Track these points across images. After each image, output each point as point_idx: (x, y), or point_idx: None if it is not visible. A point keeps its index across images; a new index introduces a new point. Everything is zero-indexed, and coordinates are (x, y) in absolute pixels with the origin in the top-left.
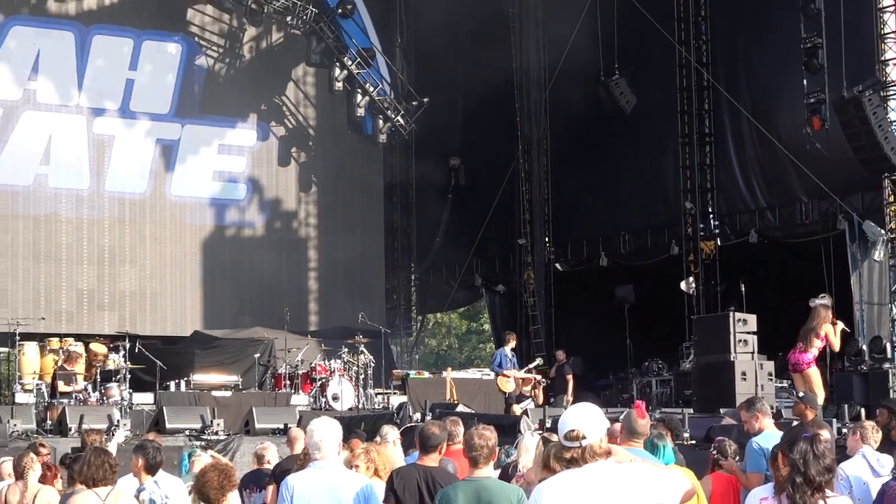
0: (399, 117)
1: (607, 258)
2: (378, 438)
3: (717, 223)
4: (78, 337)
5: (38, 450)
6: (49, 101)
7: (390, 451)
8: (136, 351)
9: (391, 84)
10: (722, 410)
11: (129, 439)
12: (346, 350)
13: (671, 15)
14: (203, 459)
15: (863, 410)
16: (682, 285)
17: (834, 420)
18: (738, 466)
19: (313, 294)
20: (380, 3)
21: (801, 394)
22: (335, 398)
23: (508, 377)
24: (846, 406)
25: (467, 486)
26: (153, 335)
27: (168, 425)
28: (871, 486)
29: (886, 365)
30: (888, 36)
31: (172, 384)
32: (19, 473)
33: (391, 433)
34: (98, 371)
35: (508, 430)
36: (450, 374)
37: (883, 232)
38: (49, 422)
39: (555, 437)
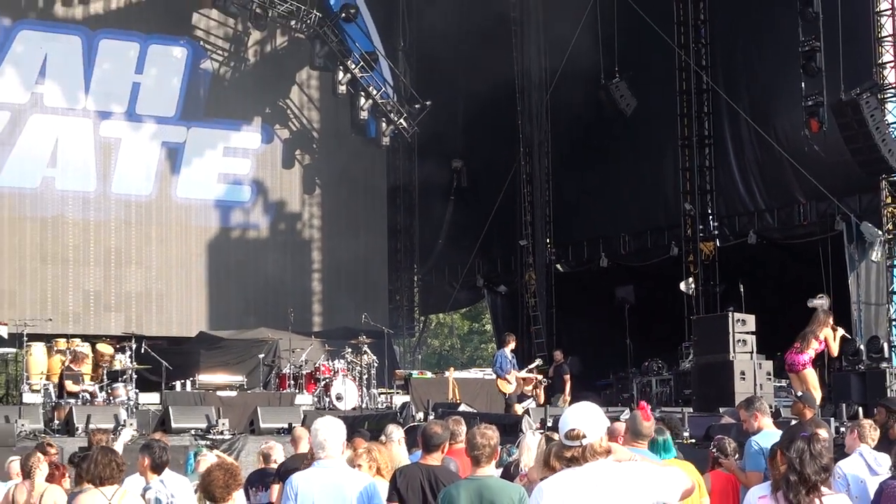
0: (402, 120)
1: (608, 259)
2: (383, 438)
3: (716, 224)
4: (85, 337)
5: (46, 449)
6: (56, 105)
7: (395, 450)
8: (143, 351)
9: (394, 87)
10: (721, 409)
11: (136, 439)
12: (350, 350)
13: (671, 19)
14: (208, 458)
15: (860, 410)
16: (682, 286)
17: (832, 419)
18: (738, 465)
19: (317, 295)
20: (382, 7)
21: (799, 393)
22: (339, 398)
23: (510, 381)
24: (844, 405)
25: (469, 485)
26: (159, 336)
27: (174, 425)
28: (869, 484)
29: (884, 364)
30: (885, 39)
31: (178, 384)
32: (26, 473)
33: (396, 432)
34: (105, 371)
35: (510, 430)
36: (452, 374)
37: (880, 233)
38: (56, 421)
39: (557, 436)
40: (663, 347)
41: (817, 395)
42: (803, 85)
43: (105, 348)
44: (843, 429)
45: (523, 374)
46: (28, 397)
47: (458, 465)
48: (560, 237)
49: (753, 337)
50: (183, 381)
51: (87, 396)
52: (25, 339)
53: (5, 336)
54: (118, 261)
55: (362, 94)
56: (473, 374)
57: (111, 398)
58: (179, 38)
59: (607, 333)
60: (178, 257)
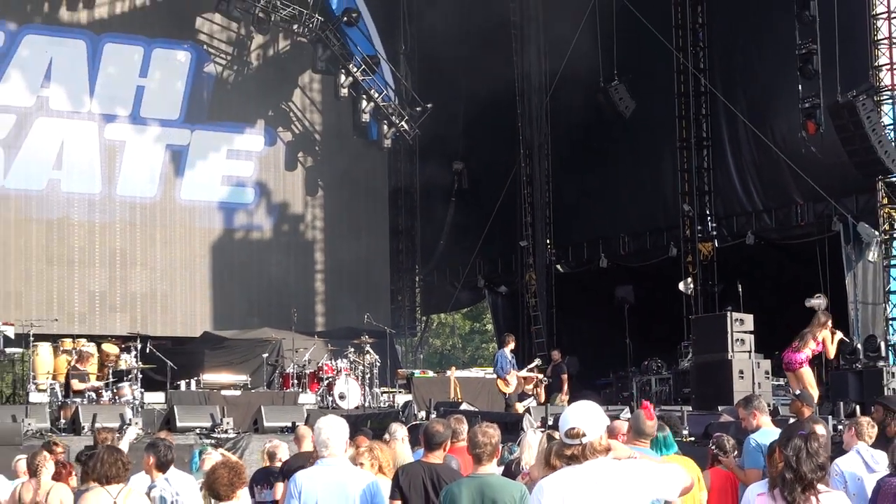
0: (403, 122)
1: (607, 260)
2: (387, 436)
3: (714, 225)
4: (90, 338)
5: (52, 448)
6: (61, 108)
7: (399, 448)
8: (147, 351)
9: (395, 90)
10: (720, 408)
11: (141, 437)
12: (353, 350)
13: (669, 22)
14: (213, 457)
15: (857, 408)
16: (681, 286)
17: (829, 417)
18: (736, 463)
19: (320, 295)
20: (384, 11)
21: (797, 391)
22: (342, 397)
23: (509, 382)
24: (841, 403)
25: (471, 483)
26: (164, 336)
27: (179, 424)
28: (866, 481)
29: (880, 363)
30: (881, 42)
31: (183, 384)
32: (33, 471)
33: (399, 431)
34: (110, 371)
35: (511, 428)
36: (453, 373)
37: (877, 233)
38: (63, 420)
39: (558, 435)
40: (662, 347)
41: (814, 393)
42: (800, 87)
43: (110, 348)
44: (840, 427)
45: (524, 373)
46: (34, 397)
47: (460, 463)
48: (560, 238)
49: (752, 336)
50: (187, 380)
51: (93, 396)
52: (32, 339)
53: (12, 336)
54: (123, 262)
55: (364, 96)
56: (475, 373)
57: (117, 397)
58: (183, 42)
59: (607, 333)
60: (182, 258)
